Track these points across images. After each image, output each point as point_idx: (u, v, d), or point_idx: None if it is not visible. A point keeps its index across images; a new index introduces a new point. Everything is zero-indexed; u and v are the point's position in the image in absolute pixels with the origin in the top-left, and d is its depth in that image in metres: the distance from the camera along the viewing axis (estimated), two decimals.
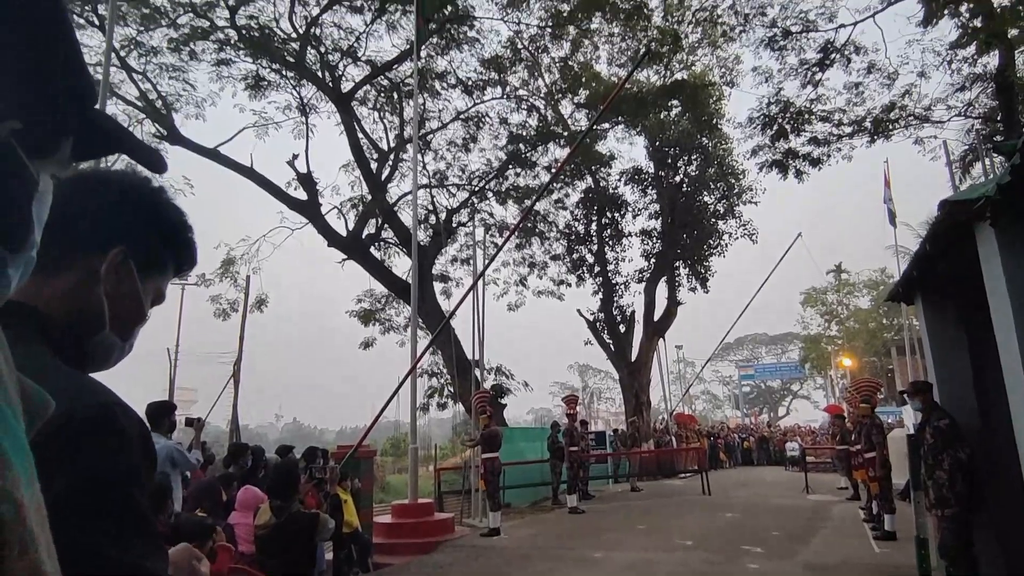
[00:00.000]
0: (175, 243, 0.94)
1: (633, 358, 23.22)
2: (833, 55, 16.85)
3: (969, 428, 5.83)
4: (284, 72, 18.25)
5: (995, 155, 13.49)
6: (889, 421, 20.13)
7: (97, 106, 0.55)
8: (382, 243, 20.41)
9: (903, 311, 23.75)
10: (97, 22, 14.88)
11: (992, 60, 14.98)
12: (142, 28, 16.55)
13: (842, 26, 16.46)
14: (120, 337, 0.88)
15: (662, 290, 24.18)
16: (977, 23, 14.44)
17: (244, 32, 17.02)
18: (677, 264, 24.04)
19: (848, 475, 13.91)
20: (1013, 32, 13.70)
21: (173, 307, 26.58)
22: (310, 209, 18.35)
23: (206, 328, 25.30)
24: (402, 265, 20.68)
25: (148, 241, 0.89)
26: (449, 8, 17.81)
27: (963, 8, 14.87)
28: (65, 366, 0.77)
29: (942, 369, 6.42)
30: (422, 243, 18.73)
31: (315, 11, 17.38)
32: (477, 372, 15.63)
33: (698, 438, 22.75)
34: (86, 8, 14.94)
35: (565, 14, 18.48)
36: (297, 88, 18.81)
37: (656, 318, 23.74)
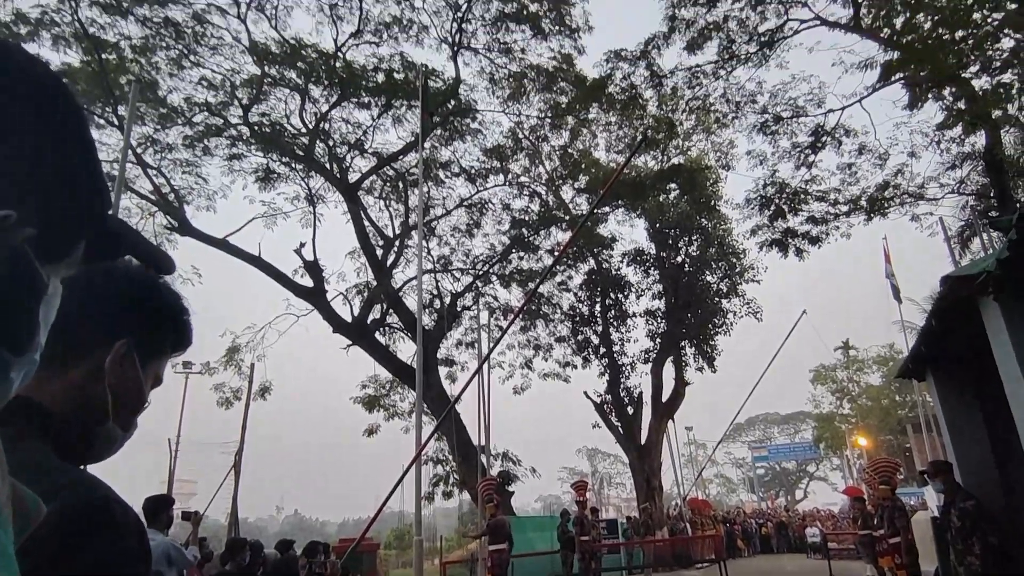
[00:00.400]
0: (174, 328, 0.95)
1: (643, 441, 22.73)
2: (824, 138, 17.41)
3: (995, 508, 5.61)
4: (293, 165, 18.91)
5: (992, 230, 13.68)
6: (911, 503, 19.42)
7: (112, 202, 0.57)
8: (387, 328, 20.46)
9: (915, 387, 23.40)
10: (116, 122, 15.58)
11: (979, 139, 15.45)
12: (159, 127, 17.31)
13: (831, 111, 17.11)
14: (122, 427, 0.88)
15: (669, 371, 23.99)
16: (961, 105, 14.99)
17: (256, 128, 17.77)
18: (683, 344, 23.94)
19: (873, 562, 13.23)
20: (996, 113, 14.20)
21: (176, 396, 26.41)
22: (316, 296, 18.53)
23: (208, 417, 24.99)
24: (407, 350, 20.65)
25: (150, 330, 0.91)
26: (452, 102, 18.64)
27: (946, 92, 15.48)
28: (63, 462, 0.77)
29: (960, 446, 6.26)
30: (427, 327, 18.78)
31: (324, 107, 18.20)
32: (483, 458, 15.28)
33: (714, 524, 21.93)
34: (106, 109, 15.69)
35: (564, 105, 19.31)
36: (306, 179, 19.42)
37: (664, 399, 23.42)
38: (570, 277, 23.51)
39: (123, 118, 14.19)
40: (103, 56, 15.00)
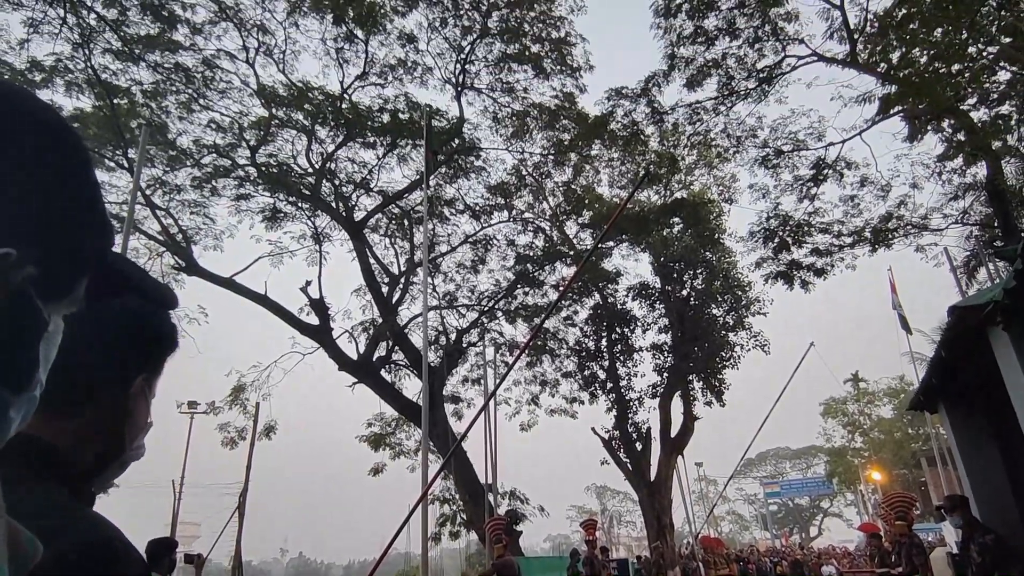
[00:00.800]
0: (172, 349, 0.96)
1: (652, 477, 22.37)
2: (825, 171, 17.54)
3: (1015, 540, 5.46)
4: (300, 204, 19.12)
5: (998, 260, 13.65)
6: (929, 539, 18.99)
7: (119, 243, 0.58)
8: (392, 365, 20.40)
9: (928, 420, 23.08)
10: (126, 164, 15.84)
11: (980, 170, 15.53)
12: (168, 168, 17.59)
13: (831, 144, 17.27)
14: (135, 451, 0.89)
15: (677, 405, 23.74)
16: (961, 137, 15.12)
17: (263, 169, 18.02)
18: (691, 378, 23.74)
19: None
20: (996, 144, 14.30)
21: (180, 437, 26.23)
22: (322, 334, 18.53)
23: (213, 458, 24.77)
24: (413, 387, 20.55)
25: (159, 359, 0.92)
26: (456, 141, 18.91)
27: (945, 124, 15.63)
28: (71, 500, 0.77)
29: (976, 479, 6.14)
30: (432, 364, 18.70)
31: (330, 148, 18.48)
32: (490, 497, 15.06)
33: (727, 564, 21.38)
34: (117, 152, 15.97)
35: (566, 142, 19.55)
36: (312, 218, 19.61)
37: (673, 434, 23.12)
38: (576, 312, 23.50)
39: (133, 160, 14.44)
40: (114, 101, 15.34)
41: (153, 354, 0.92)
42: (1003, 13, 13.14)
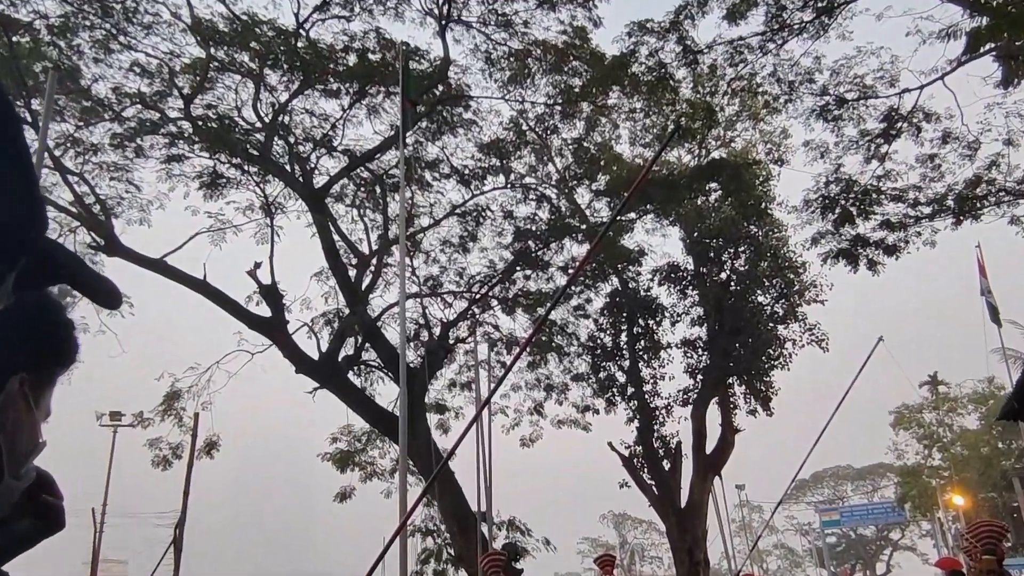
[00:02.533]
0: (66, 350, 0.94)
1: (683, 503, 22.53)
2: (899, 124, 17.49)
3: None
4: (246, 167, 19.03)
5: None
6: None
7: (48, 222, 0.57)
8: (363, 366, 20.44)
9: (1022, 431, 23.23)
10: (30, 118, 15.74)
11: None
12: (81, 123, 17.47)
13: (906, 91, 17.20)
14: (17, 478, 0.87)
15: (714, 415, 23.83)
16: None
17: (200, 123, 17.92)
18: (731, 381, 23.83)
19: None
20: None
21: (101, 455, 26.38)
22: (275, 328, 18.52)
23: (141, 481, 24.90)
24: (388, 393, 20.58)
25: (42, 358, 0.90)
26: (440, 88, 18.80)
27: None
28: None
29: None
30: (412, 365, 18.73)
31: (284, 97, 18.37)
32: (484, 528, 15.16)
33: None
34: (17, 102, 15.88)
35: (577, 90, 19.43)
36: (261, 185, 19.53)
37: (709, 450, 23.25)
38: (588, 300, 23.51)
39: (38, 113, 14.35)
40: (13, 38, 15.21)
41: (31, 352, 0.89)
42: None
